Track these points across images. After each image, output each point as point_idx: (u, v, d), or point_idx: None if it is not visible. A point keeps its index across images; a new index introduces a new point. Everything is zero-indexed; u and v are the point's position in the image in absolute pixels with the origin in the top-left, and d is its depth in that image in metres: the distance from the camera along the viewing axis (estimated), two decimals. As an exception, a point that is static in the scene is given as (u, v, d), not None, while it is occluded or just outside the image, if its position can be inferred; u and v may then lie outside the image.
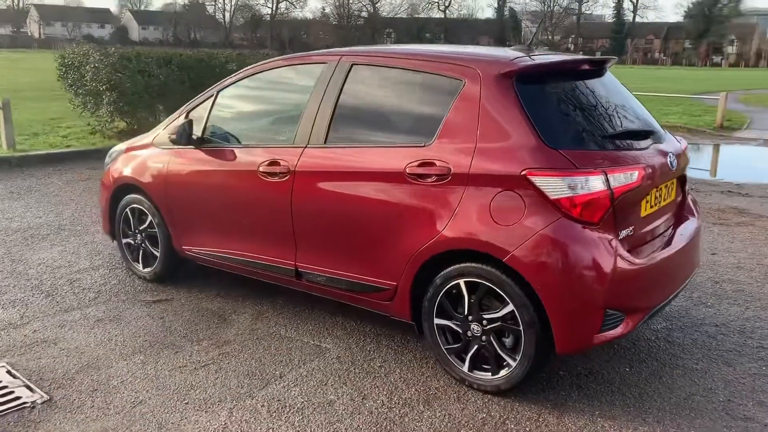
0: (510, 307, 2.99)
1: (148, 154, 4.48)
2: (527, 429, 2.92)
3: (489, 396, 3.17)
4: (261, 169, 3.78)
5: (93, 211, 6.42)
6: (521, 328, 2.98)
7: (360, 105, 3.64)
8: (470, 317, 3.15)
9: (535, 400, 3.14)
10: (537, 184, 2.88)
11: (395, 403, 3.13)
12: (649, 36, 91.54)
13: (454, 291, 3.18)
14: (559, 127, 3.03)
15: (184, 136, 4.07)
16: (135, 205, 4.58)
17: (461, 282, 3.13)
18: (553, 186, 2.86)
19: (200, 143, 4.14)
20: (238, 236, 4.04)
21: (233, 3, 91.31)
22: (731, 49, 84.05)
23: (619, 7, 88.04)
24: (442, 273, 3.19)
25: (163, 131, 4.43)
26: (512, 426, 2.93)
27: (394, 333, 3.87)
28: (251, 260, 4.00)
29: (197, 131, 4.12)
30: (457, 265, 3.13)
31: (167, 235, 4.44)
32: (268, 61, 4.18)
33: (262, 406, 3.10)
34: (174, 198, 4.29)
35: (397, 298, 3.39)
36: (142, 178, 4.46)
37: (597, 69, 3.45)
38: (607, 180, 2.88)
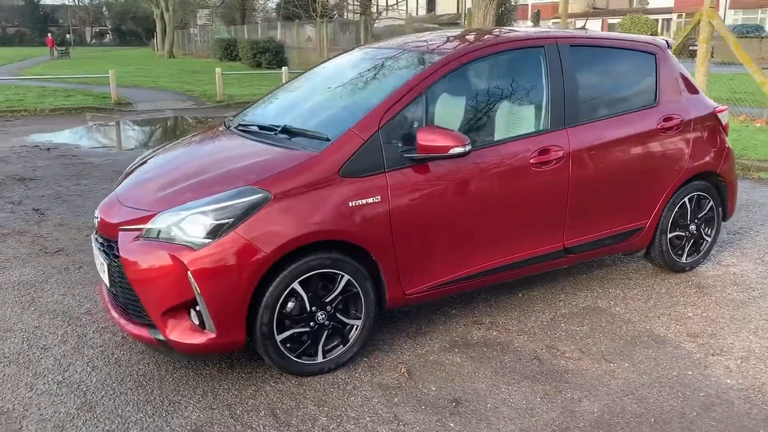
0: (711, 204, 4.65)
1: (344, 191, 3.21)
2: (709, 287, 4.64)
3: (683, 273, 4.70)
4: (533, 160, 3.74)
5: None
6: (716, 216, 4.70)
7: (590, 82, 4.22)
8: (689, 223, 4.59)
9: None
10: (720, 118, 4.65)
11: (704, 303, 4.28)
12: None
13: (679, 211, 4.51)
14: None
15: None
16: (326, 270, 3.22)
17: (686, 200, 4.51)
18: (723, 118, 4.69)
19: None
20: (493, 245, 3.75)
21: None
22: None
23: None
24: (671, 199, 4.41)
25: (351, 157, 3.25)
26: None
27: (616, 275, 4.72)
28: (509, 263, 3.82)
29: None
30: (685, 187, 4.44)
31: (379, 290, 3.43)
32: (455, 53, 3.69)
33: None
34: (405, 235, 3.39)
35: (644, 232, 4.39)
36: (345, 227, 3.20)
37: None
38: None
